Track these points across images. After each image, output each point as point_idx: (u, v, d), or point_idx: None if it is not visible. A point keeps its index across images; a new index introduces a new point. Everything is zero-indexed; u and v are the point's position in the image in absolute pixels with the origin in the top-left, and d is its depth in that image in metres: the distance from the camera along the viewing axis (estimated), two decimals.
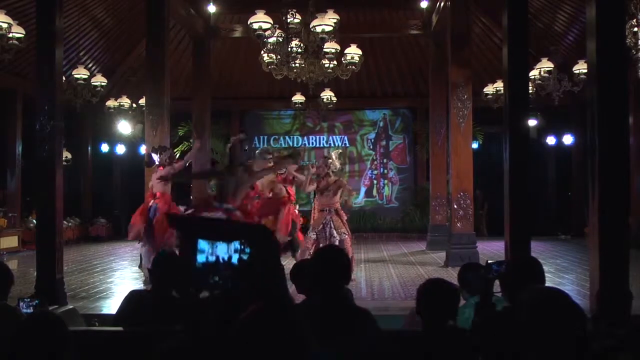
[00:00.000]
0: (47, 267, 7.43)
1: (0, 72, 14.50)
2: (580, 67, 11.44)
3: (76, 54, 14.78)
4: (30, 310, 4.05)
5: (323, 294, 3.04)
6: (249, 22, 10.03)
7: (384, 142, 20.74)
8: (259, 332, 1.98)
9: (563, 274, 10.46)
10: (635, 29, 8.28)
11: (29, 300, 4.18)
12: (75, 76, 12.97)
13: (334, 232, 9.61)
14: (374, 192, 20.63)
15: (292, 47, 10.32)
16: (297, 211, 10.63)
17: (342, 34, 11.00)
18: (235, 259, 1.45)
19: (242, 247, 1.45)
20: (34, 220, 13.99)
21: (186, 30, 15.54)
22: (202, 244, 1.49)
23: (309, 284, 3.28)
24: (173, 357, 1.76)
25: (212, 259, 1.48)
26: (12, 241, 15.05)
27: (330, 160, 10.21)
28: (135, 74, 16.23)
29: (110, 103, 15.14)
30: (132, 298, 4.22)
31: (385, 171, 20.61)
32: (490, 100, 14.28)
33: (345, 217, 9.98)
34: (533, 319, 1.77)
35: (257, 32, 9.85)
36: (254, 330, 1.99)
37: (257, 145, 20.63)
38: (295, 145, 20.50)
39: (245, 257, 1.44)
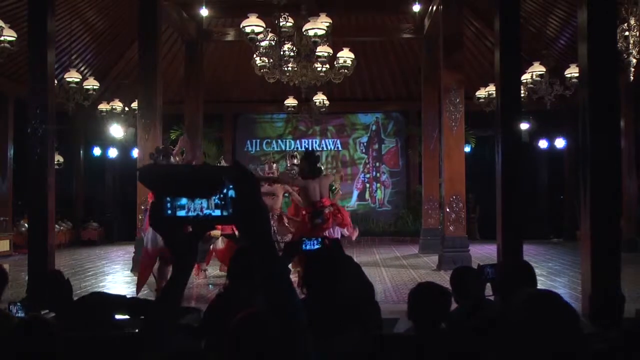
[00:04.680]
0: (39, 272, 7.40)
1: None
2: (572, 71, 11.48)
3: (68, 58, 14.73)
4: (21, 314, 4.03)
5: (314, 294, 3.06)
6: (241, 26, 10.02)
7: (376, 146, 20.76)
8: (251, 337, 1.98)
9: (555, 277, 10.48)
10: (627, 33, 8.33)
11: (20, 304, 4.16)
12: (67, 79, 12.94)
13: (278, 237, 9.48)
14: (367, 196, 20.64)
15: (284, 51, 10.32)
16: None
17: (334, 38, 11.00)
18: (217, 212, 1.45)
19: (222, 202, 1.44)
20: (26, 224, 13.93)
21: (178, 33, 15.53)
22: (182, 200, 1.48)
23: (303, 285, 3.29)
24: None
25: (192, 214, 1.47)
26: (3, 245, 14.98)
27: (275, 165, 10.21)
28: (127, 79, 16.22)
29: (103, 106, 15.10)
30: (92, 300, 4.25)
31: (378, 174, 20.63)
32: (483, 103, 14.32)
33: (286, 220, 9.95)
34: (525, 321, 1.77)
35: (250, 36, 9.84)
36: (246, 334, 1.99)
37: (250, 149, 20.66)
38: (287, 148, 20.51)
39: (226, 212, 1.44)
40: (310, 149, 10.06)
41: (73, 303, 4.04)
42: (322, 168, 9.94)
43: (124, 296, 4.63)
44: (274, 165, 10.18)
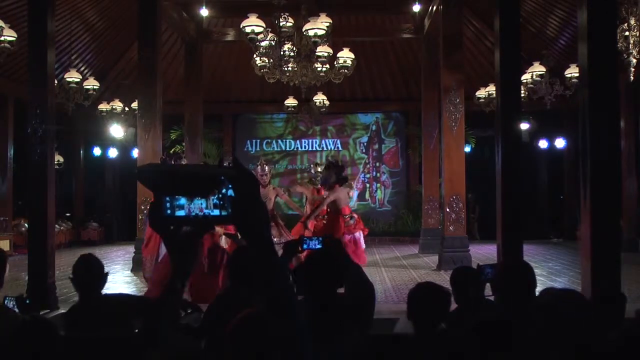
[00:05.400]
0: (39, 272, 7.40)
1: None
2: (572, 71, 11.48)
3: (68, 58, 14.73)
4: (16, 309, 4.01)
5: (314, 296, 3.06)
6: (241, 26, 10.02)
7: (376, 146, 20.76)
8: (251, 337, 1.98)
9: (555, 277, 10.47)
10: (627, 33, 8.33)
11: (15, 298, 4.11)
12: (67, 79, 12.93)
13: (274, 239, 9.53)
14: (367, 196, 20.64)
15: (284, 51, 10.32)
16: None
17: (334, 38, 11.01)
18: (216, 212, 1.45)
19: (221, 202, 1.44)
20: (26, 224, 13.92)
21: (178, 33, 15.52)
22: (181, 200, 1.48)
23: (303, 286, 3.29)
24: None
25: (193, 214, 1.47)
26: (3, 245, 14.93)
27: (268, 167, 10.23)
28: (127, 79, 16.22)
29: (103, 106, 15.09)
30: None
31: (378, 175, 20.63)
32: (483, 103, 14.33)
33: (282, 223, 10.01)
34: (552, 319, 1.77)
35: (250, 36, 9.83)
36: (246, 334, 1.99)
37: (250, 149, 20.66)
38: (287, 149, 20.52)
39: (225, 212, 1.44)
40: (334, 160, 10.42)
41: (101, 297, 3.95)
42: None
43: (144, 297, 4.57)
44: (266, 167, 10.17)
